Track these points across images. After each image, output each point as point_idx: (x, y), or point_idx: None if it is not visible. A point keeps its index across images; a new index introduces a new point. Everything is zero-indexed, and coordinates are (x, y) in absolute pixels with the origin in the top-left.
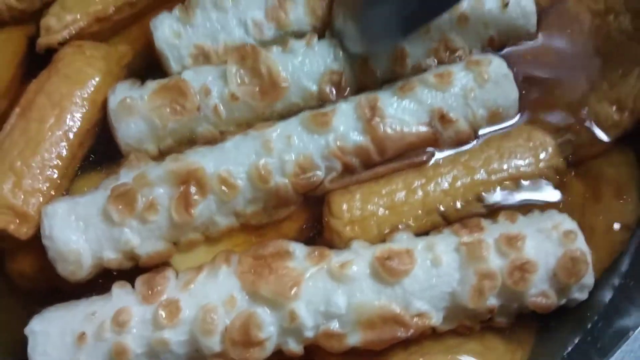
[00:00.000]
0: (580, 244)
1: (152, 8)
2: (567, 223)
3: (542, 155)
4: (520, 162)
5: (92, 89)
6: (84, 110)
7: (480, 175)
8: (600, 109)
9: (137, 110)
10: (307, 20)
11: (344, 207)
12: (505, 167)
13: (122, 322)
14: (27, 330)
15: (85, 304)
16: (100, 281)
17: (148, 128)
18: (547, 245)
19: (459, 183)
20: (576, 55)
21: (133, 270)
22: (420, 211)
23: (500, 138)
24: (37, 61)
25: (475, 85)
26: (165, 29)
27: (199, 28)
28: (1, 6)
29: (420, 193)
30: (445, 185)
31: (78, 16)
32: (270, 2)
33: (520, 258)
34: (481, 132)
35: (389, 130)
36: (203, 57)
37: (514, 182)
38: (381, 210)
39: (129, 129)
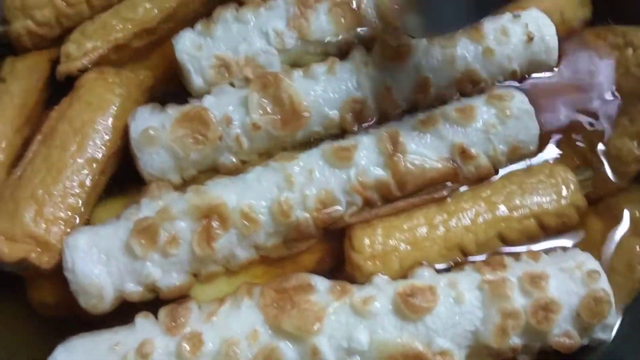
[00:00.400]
0: (603, 283)
1: (172, 35)
2: (590, 263)
3: (564, 193)
4: (542, 200)
5: (114, 115)
6: (106, 137)
7: (502, 211)
8: (621, 144)
9: (159, 141)
10: (330, 28)
11: (366, 241)
12: (527, 203)
13: (146, 354)
14: None
15: (109, 334)
16: (122, 310)
17: (171, 158)
18: (571, 285)
19: (480, 219)
20: (595, 89)
21: (155, 301)
22: (441, 247)
23: (522, 173)
24: (59, 86)
25: (497, 121)
26: (186, 42)
27: (220, 40)
28: (21, 31)
29: (442, 229)
30: (467, 221)
31: (98, 43)
32: (291, 11)
33: (544, 297)
34: (502, 169)
35: (410, 166)
36: (224, 68)
37: (536, 219)
38: (403, 246)
39: (152, 160)
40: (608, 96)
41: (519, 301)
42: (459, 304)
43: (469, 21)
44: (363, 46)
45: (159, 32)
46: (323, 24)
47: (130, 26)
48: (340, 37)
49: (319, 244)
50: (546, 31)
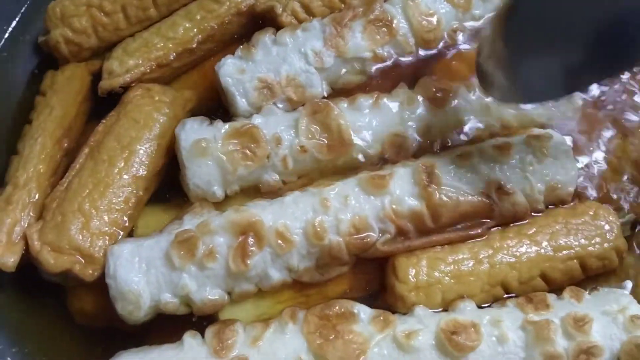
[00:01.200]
0: None
1: (212, 54)
2: (634, 307)
3: (607, 236)
4: (586, 242)
5: (160, 133)
6: (152, 155)
7: (546, 251)
8: None
9: (210, 152)
10: (366, 45)
11: (411, 271)
12: (571, 244)
13: None
14: None
15: (159, 351)
16: (157, 326)
17: (219, 171)
18: (613, 329)
19: (525, 257)
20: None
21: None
22: (484, 282)
23: (566, 212)
24: (103, 98)
25: (534, 160)
26: (229, 67)
27: (261, 62)
28: (59, 38)
29: (486, 264)
30: (512, 258)
31: (140, 61)
32: (327, 31)
33: (586, 342)
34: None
35: (444, 198)
36: (267, 89)
37: (579, 260)
38: (447, 279)
39: (200, 171)
40: None
41: (561, 344)
42: (502, 343)
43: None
44: (406, 85)
45: (198, 52)
46: (359, 41)
47: (171, 45)
48: (375, 53)
49: (344, 275)
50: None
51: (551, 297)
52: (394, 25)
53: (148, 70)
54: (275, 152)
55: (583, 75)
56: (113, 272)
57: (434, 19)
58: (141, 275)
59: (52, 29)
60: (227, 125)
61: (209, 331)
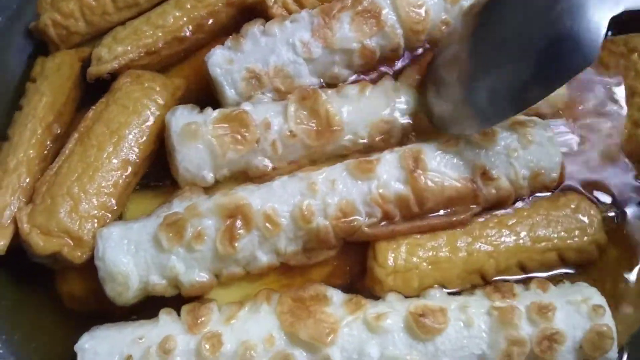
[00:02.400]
0: (608, 319)
1: (202, 45)
2: (596, 298)
3: (587, 230)
4: (566, 234)
5: (149, 119)
6: (141, 140)
7: (525, 241)
8: None
9: (201, 135)
10: (354, 36)
11: (390, 256)
12: (550, 236)
13: (168, 350)
14: (77, 347)
15: (134, 326)
16: (146, 309)
17: (209, 155)
18: (576, 318)
19: (503, 247)
20: (608, 101)
21: (177, 300)
22: (462, 270)
23: (548, 204)
24: (94, 85)
25: (519, 146)
26: (218, 57)
27: (250, 53)
28: (47, 22)
29: (464, 252)
30: (490, 247)
31: (128, 48)
32: (315, 22)
33: (549, 328)
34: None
35: (430, 183)
36: (255, 79)
37: (557, 252)
38: (424, 265)
39: (190, 154)
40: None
41: (525, 329)
42: (468, 327)
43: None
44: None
45: (188, 42)
46: (346, 32)
47: (160, 33)
48: (363, 44)
49: (328, 260)
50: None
51: (518, 287)
52: (382, 16)
53: (136, 57)
54: (264, 136)
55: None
56: (102, 254)
57: (423, 11)
58: (130, 257)
59: (42, 13)
60: (216, 112)
61: (185, 308)
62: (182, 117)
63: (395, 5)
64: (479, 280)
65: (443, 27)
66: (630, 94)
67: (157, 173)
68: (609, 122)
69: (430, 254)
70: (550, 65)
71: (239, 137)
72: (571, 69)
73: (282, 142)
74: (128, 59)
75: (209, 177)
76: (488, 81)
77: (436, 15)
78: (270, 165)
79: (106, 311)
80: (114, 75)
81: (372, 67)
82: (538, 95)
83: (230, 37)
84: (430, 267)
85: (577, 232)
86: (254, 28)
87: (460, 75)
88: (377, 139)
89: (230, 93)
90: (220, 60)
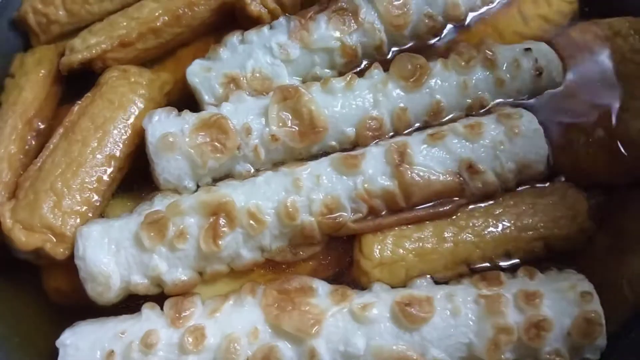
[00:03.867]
0: (596, 305)
1: (186, 43)
2: (584, 284)
3: (574, 219)
4: (553, 223)
5: (135, 114)
6: (126, 136)
7: (512, 231)
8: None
9: (178, 147)
10: (332, 35)
11: (376, 248)
12: (537, 225)
13: (150, 344)
14: (59, 343)
15: (116, 321)
16: (131, 305)
17: (188, 165)
18: (564, 305)
19: (489, 237)
20: (594, 84)
21: (161, 297)
22: (448, 261)
23: (535, 193)
24: (82, 81)
25: (505, 139)
26: (196, 67)
27: (227, 60)
28: (28, 9)
29: (450, 243)
30: (476, 237)
31: (102, 39)
32: (292, 24)
33: (537, 315)
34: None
35: (416, 177)
36: (233, 84)
37: (544, 241)
38: (410, 256)
39: (169, 166)
40: (607, 90)
41: (512, 317)
42: (455, 316)
43: None
44: (380, 64)
45: (165, 36)
46: (323, 31)
47: (134, 24)
48: (342, 42)
49: (316, 254)
50: (554, 67)
51: (505, 275)
52: (360, 13)
53: (109, 48)
54: (245, 142)
55: None
56: (82, 254)
57: (403, 5)
58: (111, 257)
59: (24, 2)
60: (194, 117)
61: (168, 302)
62: (159, 124)
63: (373, 1)
64: (466, 270)
65: (427, 21)
66: (617, 78)
67: (139, 176)
68: (598, 108)
69: (417, 245)
70: None
71: (219, 145)
72: None
73: (264, 147)
74: (100, 49)
75: (191, 185)
76: None
77: (418, 9)
78: (253, 169)
79: (93, 305)
80: (92, 68)
81: (358, 65)
82: None
83: (211, 47)
84: (416, 258)
85: (563, 221)
86: (233, 38)
87: None
88: (365, 136)
89: (208, 99)
90: (198, 70)
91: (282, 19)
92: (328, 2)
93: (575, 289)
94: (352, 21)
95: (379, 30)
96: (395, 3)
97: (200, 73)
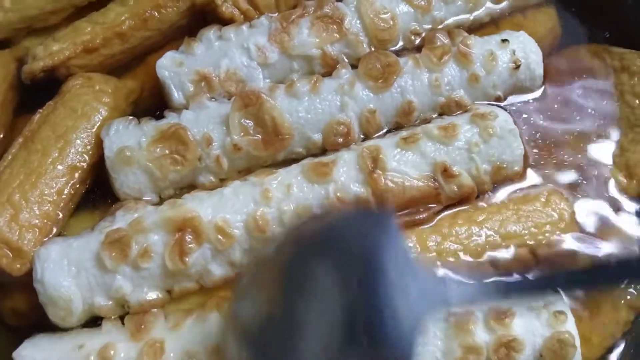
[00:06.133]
0: (570, 326)
1: (155, 48)
2: (559, 304)
3: (559, 225)
4: (536, 230)
5: (98, 123)
6: (90, 146)
7: (495, 239)
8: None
9: (136, 161)
10: (313, 41)
11: None
12: (520, 232)
13: (107, 358)
14: (15, 355)
15: (74, 334)
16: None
17: (148, 179)
18: (536, 324)
19: (473, 244)
20: (585, 107)
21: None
22: None
23: (518, 199)
24: (31, 87)
25: (480, 140)
26: (167, 60)
27: (201, 56)
28: None
29: (433, 252)
30: (459, 246)
31: (65, 45)
32: (273, 26)
33: (507, 335)
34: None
35: (390, 183)
36: (205, 82)
37: (528, 248)
38: None
39: (128, 181)
40: (597, 117)
41: (481, 337)
42: (422, 335)
43: None
44: (350, 65)
45: (132, 40)
46: (305, 37)
47: (99, 29)
48: (323, 51)
49: None
50: (533, 58)
51: None
52: (345, 23)
53: (73, 55)
54: (206, 152)
55: None
56: (40, 277)
57: (390, 19)
58: (71, 279)
59: None
60: (152, 128)
61: (129, 317)
62: (116, 136)
63: (360, 12)
64: None
65: (413, 37)
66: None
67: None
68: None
69: None
70: None
71: (178, 157)
72: None
73: (226, 156)
74: (63, 56)
75: (153, 197)
76: None
77: (405, 25)
78: (217, 180)
79: (53, 326)
80: (55, 76)
81: None
82: None
83: (185, 39)
84: None
85: (548, 227)
86: (210, 32)
87: None
88: (332, 142)
89: (177, 96)
90: (169, 63)
91: (263, 18)
92: (313, 7)
93: (548, 308)
94: (336, 30)
95: (363, 43)
96: (383, 16)
97: (171, 67)
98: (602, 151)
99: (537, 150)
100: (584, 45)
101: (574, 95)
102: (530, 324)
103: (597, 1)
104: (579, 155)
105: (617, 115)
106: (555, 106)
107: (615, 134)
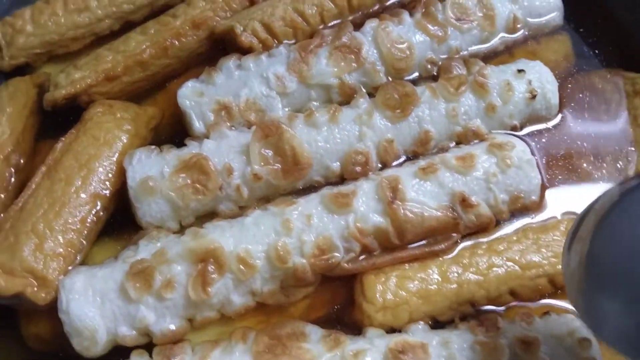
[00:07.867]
0: (595, 352)
1: (175, 75)
2: (583, 331)
3: None
4: (556, 260)
5: (120, 151)
6: (112, 174)
7: (516, 268)
8: None
9: (159, 191)
10: (331, 70)
11: (379, 290)
12: (541, 262)
13: None
14: None
15: None
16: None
17: (170, 208)
18: (561, 352)
19: (493, 275)
20: (599, 133)
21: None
22: (452, 302)
23: (537, 228)
24: (51, 112)
25: (498, 170)
26: (188, 89)
27: (221, 86)
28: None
29: (454, 284)
30: (480, 277)
31: (87, 73)
32: (292, 56)
33: None
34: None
35: (409, 214)
36: (225, 111)
37: (548, 277)
38: (414, 299)
39: (151, 210)
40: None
41: None
42: None
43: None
44: (367, 94)
45: (153, 68)
46: (323, 67)
47: (120, 57)
48: (341, 80)
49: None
50: (549, 88)
51: (502, 321)
52: (362, 52)
53: (94, 83)
54: (227, 182)
55: None
56: (66, 307)
57: (406, 48)
58: (96, 309)
59: None
60: (175, 158)
61: (157, 349)
62: (139, 165)
63: (377, 41)
64: (471, 309)
65: (429, 66)
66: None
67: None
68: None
69: (420, 286)
70: None
71: (200, 186)
72: None
73: (247, 186)
74: (85, 83)
75: (174, 226)
76: None
77: (421, 54)
78: (237, 208)
79: (75, 355)
80: (75, 103)
81: None
82: None
83: (205, 69)
84: (420, 300)
85: None
86: (229, 62)
87: None
88: (351, 171)
89: (198, 125)
90: (189, 93)
91: (281, 48)
92: (331, 37)
93: (573, 336)
94: (354, 60)
95: (380, 72)
96: (399, 46)
97: (192, 97)
98: (620, 177)
99: (554, 178)
100: (598, 71)
101: (589, 121)
102: (555, 351)
103: (610, 27)
104: (597, 182)
105: (632, 139)
106: (571, 132)
107: (632, 157)
